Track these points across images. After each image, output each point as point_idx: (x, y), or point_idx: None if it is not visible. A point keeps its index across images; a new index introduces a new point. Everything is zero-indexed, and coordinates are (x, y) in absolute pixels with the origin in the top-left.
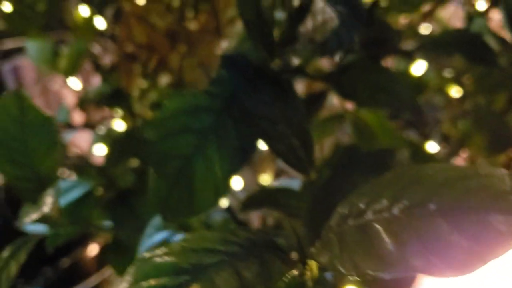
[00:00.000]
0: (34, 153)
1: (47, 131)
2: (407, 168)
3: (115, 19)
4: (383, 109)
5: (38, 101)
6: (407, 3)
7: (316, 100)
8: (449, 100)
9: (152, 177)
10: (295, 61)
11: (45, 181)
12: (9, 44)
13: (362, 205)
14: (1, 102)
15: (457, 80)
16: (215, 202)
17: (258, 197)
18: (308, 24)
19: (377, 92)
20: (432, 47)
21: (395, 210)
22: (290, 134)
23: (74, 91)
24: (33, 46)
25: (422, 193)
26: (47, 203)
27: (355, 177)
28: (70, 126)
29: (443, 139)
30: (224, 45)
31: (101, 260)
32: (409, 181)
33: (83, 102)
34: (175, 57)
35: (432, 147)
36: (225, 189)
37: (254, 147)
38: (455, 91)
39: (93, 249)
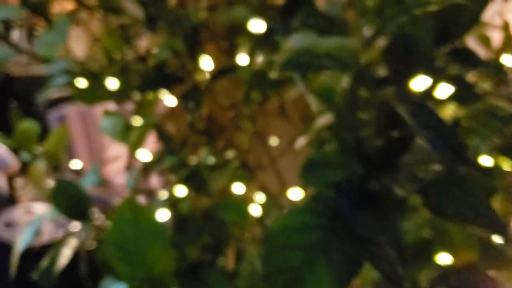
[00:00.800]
0: (148, 255)
1: (160, 235)
2: None
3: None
4: (468, 225)
5: (83, 150)
6: (488, 127)
7: (397, 205)
8: (502, 174)
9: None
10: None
11: (159, 283)
12: (56, 92)
13: None
14: (119, 207)
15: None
16: None
17: None
18: (409, 158)
19: (462, 208)
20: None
21: None
22: (391, 252)
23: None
24: (108, 121)
25: None
26: None
27: None
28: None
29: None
30: (300, 141)
31: None
32: None
33: (148, 168)
34: (242, 137)
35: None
36: None
37: (360, 266)
38: (507, 166)
39: None
